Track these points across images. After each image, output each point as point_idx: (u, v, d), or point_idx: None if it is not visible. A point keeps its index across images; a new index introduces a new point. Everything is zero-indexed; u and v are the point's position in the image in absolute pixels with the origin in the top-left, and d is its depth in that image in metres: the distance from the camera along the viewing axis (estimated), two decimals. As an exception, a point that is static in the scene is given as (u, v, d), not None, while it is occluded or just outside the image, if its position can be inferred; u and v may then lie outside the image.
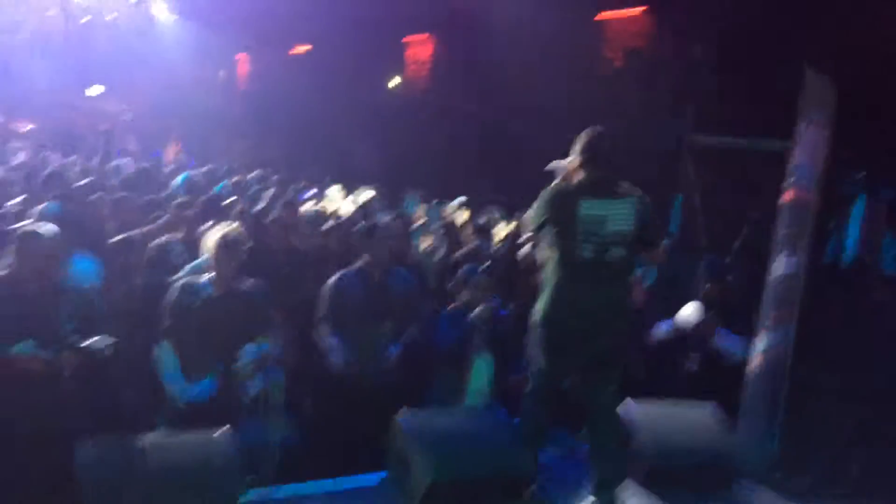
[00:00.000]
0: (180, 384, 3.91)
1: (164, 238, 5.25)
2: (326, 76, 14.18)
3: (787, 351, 4.83)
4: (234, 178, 9.42)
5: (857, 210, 6.66)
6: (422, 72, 14.23)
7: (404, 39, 14.37)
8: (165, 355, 3.97)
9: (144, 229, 5.55)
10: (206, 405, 3.86)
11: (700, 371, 4.90)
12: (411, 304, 4.83)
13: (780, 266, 4.62)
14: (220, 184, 8.77)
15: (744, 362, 4.65)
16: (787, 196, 4.61)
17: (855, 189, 6.71)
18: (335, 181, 9.88)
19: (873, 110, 6.53)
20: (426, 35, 14.19)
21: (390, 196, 9.53)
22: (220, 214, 5.56)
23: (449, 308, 4.87)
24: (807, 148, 4.72)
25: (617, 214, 3.72)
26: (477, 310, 4.62)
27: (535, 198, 3.86)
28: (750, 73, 8.11)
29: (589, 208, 3.69)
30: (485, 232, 6.02)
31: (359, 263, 4.87)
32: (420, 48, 14.39)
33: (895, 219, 6.39)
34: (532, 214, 3.86)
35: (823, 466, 4.41)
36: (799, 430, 4.77)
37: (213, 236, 4.15)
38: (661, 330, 5.02)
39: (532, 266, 6.62)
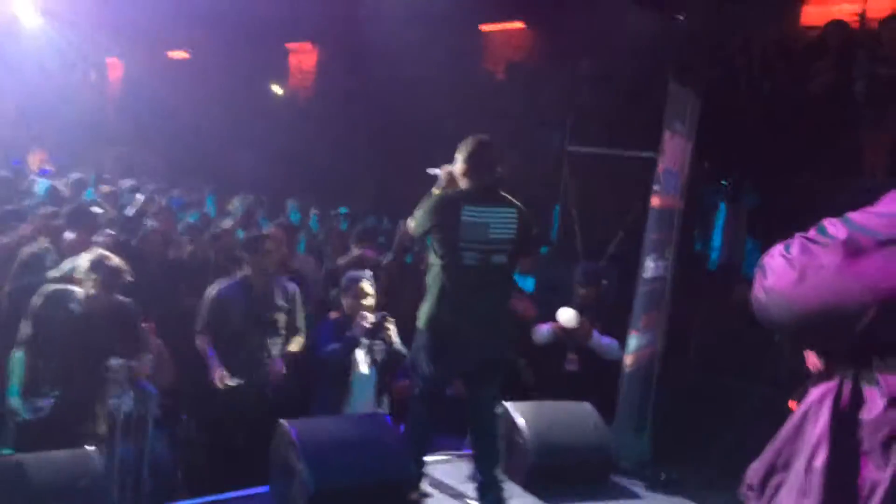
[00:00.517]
0: (20, 398, 3.76)
1: (37, 245, 5.02)
2: (206, 82, 13.82)
3: (656, 351, 5.10)
4: (105, 188, 9.02)
5: (721, 216, 7.10)
6: (306, 80, 14.12)
7: (287, 45, 14.20)
8: (17, 366, 3.80)
9: (5, 239, 5.26)
10: (59, 422, 3.71)
11: (579, 371, 5.06)
12: (294, 314, 4.79)
13: (649, 270, 4.85)
14: (87, 192, 8.40)
15: (618, 362, 4.85)
16: (655, 202, 4.84)
17: (718, 197, 7.14)
18: (215, 190, 9.68)
19: (736, 120, 6.99)
20: (309, 43, 14.09)
21: (272, 204, 9.41)
22: (88, 224, 5.33)
23: (331, 317, 4.84)
24: (671, 156, 5.00)
25: (499, 222, 3.80)
26: (358, 321, 4.63)
27: (416, 205, 3.90)
28: (625, 85, 8.52)
29: (472, 215, 3.76)
30: (369, 241, 6.04)
31: (241, 274, 4.79)
32: (303, 57, 14.27)
33: (755, 225, 6.82)
34: (415, 221, 3.90)
35: (691, 457, 4.65)
36: (668, 424, 5.02)
37: (91, 256, 4.00)
38: (542, 333, 5.17)
39: (417, 273, 6.72)
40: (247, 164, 11.25)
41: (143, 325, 4.29)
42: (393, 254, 5.93)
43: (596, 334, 5.06)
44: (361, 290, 4.71)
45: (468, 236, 3.75)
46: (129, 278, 4.01)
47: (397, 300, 5.67)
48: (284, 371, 4.60)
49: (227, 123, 12.59)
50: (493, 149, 3.88)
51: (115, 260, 4.02)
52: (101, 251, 4.12)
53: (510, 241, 3.82)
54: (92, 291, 3.95)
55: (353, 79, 11.96)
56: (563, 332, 5.04)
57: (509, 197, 3.89)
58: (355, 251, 5.80)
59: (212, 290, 4.71)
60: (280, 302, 4.73)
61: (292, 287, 4.89)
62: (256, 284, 4.70)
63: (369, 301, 4.74)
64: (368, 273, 4.90)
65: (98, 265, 3.96)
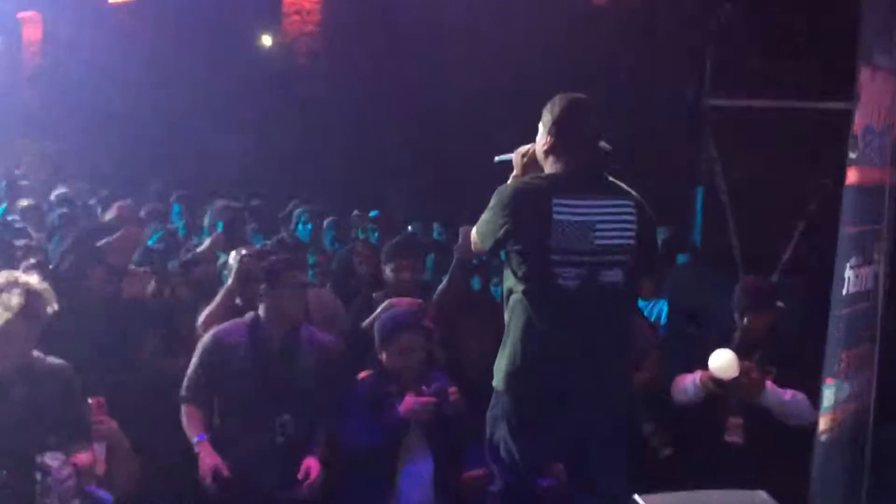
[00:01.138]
0: None
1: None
2: (161, 36, 14.06)
3: (867, 405, 4.97)
4: (24, 202, 9.28)
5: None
6: (307, 24, 14.29)
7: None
8: None
9: None
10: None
11: (745, 443, 5.01)
12: (326, 381, 4.89)
13: (848, 282, 4.75)
14: (-1, 208, 8.67)
15: (808, 426, 4.76)
16: (852, 177, 4.75)
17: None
18: (186, 196, 9.87)
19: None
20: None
21: (269, 213, 9.56)
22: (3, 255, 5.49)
23: (361, 379, 4.91)
24: (873, 106, 4.89)
25: (609, 221, 3.82)
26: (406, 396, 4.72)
27: (483, 208, 3.95)
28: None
29: (567, 212, 3.77)
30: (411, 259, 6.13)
31: (250, 314, 4.90)
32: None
33: None
34: (481, 228, 3.92)
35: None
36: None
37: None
38: (685, 388, 5.12)
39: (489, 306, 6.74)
40: (227, 155, 11.47)
41: (89, 400, 4.35)
42: (449, 279, 5.96)
43: (770, 386, 4.98)
44: (408, 341, 4.76)
45: (563, 244, 3.77)
46: (54, 308, 4.05)
47: (461, 348, 5.70)
48: (321, 477, 4.68)
49: (197, 97, 12.84)
50: (594, 112, 3.91)
51: (35, 292, 4.04)
52: (9, 273, 4.14)
53: (627, 250, 3.84)
54: (6, 348, 3.97)
55: (377, 21, 12.09)
56: (719, 385, 4.98)
57: (621, 184, 3.90)
58: (389, 275, 5.87)
59: (206, 338, 4.81)
60: (307, 361, 4.82)
61: (327, 340, 5.00)
62: (273, 332, 4.79)
63: (419, 356, 4.78)
64: (416, 313, 4.93)
65: (10, 305, 3.98)
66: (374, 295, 6.05)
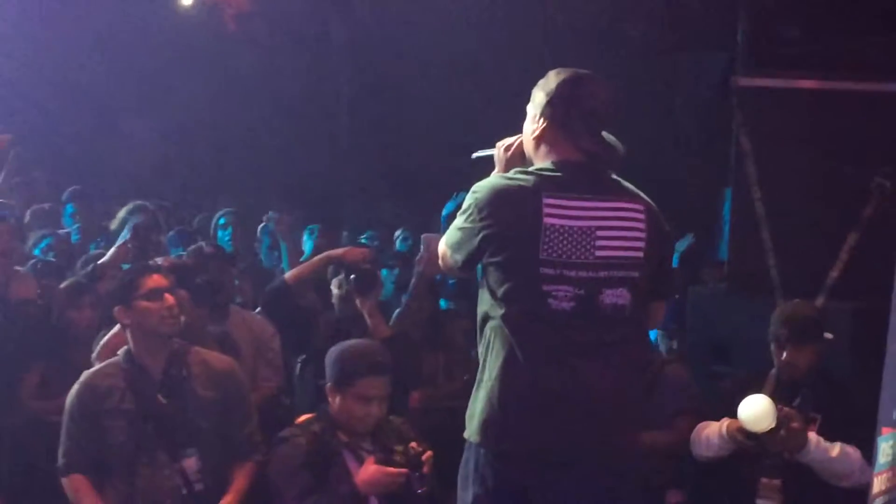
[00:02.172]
0: None
1: None
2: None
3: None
4: None
5: None
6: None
7: None
8: None
9: None
10: None
11: (784, 508, 5.01)
12: (235, 418, 4.90)
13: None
14: None
15: (860, 488, 4.77)
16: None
17: None
18: (81, 192, 9.83)
19: None
20: None
21: (189, 216, 9.53)
22: None
23: (297, 428, 4.86)
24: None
25: (614, 227, 3.80)
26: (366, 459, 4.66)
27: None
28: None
29: (560, 216, 3.77)
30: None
31: (123, 350, 4.90)
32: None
33: None
34: (452, 238, 3.91)
35: None
36: None
37: None
38: (708, 442, 5.14)
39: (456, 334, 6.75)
40: (134, 143, 11.46)
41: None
42: (410, 298, 5.97)
43: (814, 439, 4.99)
44: (372, 386, 4.72)
45: (555, 254, 3.74)
46: None
47: (424, 385, 5.68)
48: None
49: (95, 65, 12.82)
50: (603, 90, 3.89)
51: None
52: None
53: (635, 264, 3.82)
54: None
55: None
56: (750, 437, 4.99)
57: (628, 184, 3.89)
58: (337, 300, 5.89)
59: (73, 388, 4.80)
60: (201, 391, 4.81)
61: (223, 364, 4.98)
62: (149, 362, 4.81)
63: (382, 406, 4.75)
64: (381, 350, 4.90)
65: None
66: (320, 321, 6.04)
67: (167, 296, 4.83)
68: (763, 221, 6.78)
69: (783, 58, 7.57)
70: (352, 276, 5.84)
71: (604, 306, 3.77)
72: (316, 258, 5.96)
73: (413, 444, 4.69)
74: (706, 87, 8.35)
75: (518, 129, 4.02)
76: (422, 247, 6.14)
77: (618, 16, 9.55)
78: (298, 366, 6.31)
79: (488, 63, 9.89)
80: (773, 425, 4.91)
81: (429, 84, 10.98)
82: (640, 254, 3.81)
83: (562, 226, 3.74)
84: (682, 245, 8.63)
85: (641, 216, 3.84)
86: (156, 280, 4.87)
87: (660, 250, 3.91)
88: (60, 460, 4.75)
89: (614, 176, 3.92)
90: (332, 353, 4.90)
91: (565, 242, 3.74)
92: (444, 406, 6.16)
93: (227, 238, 8.42)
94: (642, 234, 3.83)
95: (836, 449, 5.00)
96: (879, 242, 5.81)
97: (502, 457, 3.81)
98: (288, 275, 5.96)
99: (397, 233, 9.51)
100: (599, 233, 3.76)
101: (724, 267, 7.43)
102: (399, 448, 4.66)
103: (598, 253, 3.76)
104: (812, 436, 5.00)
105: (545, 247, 3.72)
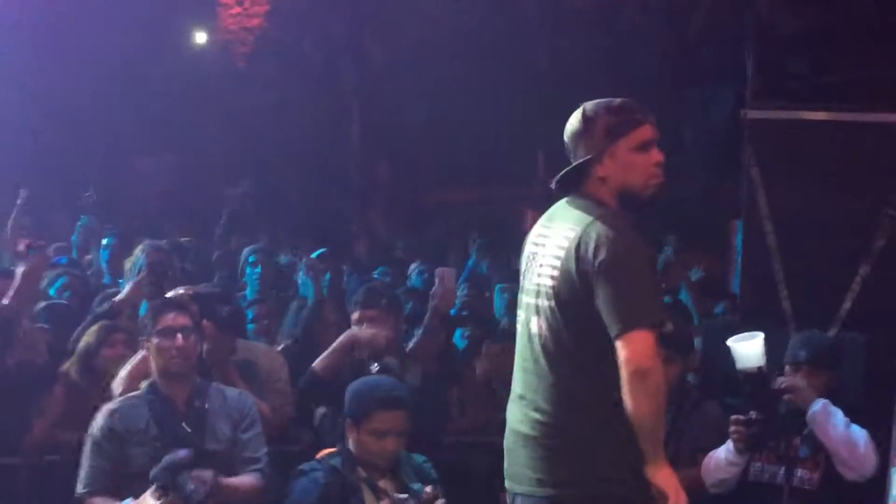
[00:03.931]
0: None
1: None
2: (60, 32, 14.06)
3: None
4: None
5: None
6: (247, 21, 14.34)
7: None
8: None
9: None
10: None
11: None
12: (247, 445, 4.96)
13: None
14: None
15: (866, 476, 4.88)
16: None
17: None
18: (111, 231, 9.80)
19: None
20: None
21: (206, 254, 9.54)
22: None
23: (318, 463, 4.85)
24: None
25: (546, 254, 3.82)
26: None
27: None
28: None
29: (531, 240, 3.93)
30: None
31: (145, 383, 4.94)
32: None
33: None
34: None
35: None
36: None
37: None
38: (718, 462, 5.16)
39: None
40: (146, 180, 11.47)
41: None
42: (423, 333, 6.02)
43: (823, 402, 5.04)
44: (387, 420, 4.73)
45: (522, 278, 3.94)
46: None
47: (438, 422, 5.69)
48: None
49: (108, 105, 12.83)
50: (569, 120, 3.90)
51: None
52: None
53: (548, 293, 3.76)
54: None
55: (328, 16, 12.25)
56: (747, 393, 5.07)
57: (588, 202, 3.80)
58: (355, 329, 5.84)
59: (97, 414, 4.85)
60: (222, 427, 4.89)
61: (240, 399, 5.05)
62: (174, 395, 4.88)
63: (399, 441, 4.76)
64: (399, 384, 4.94)
65: None
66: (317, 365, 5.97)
67: (178, 336, 4.87)
68: (775, 253, 6.75)
69: (792, 90, 7.60)
70: (375, 365, 5.77)
71: (531, 335, 3.82)
72: (341, 342, 5.85)
73: (428, 488, 4.68)
74: (716, 121, 8.37)
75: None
76: (437, 280, 6.13)
77: (628, 49, 9.59)
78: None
79: (497, 99, 9.92)
80: (762, 364, 4.93)
81: (438, 121, 11.03)
82: (550, 282, 3.75)
83: (527, 253, 3.92)
84: (694, 275, 8.62)
85: (566, 244, 3.74)
86: (170, 319, 4.90)
87: (575, 279, 3.69)
88: (81, 486, 4.77)
89: (586, 193, 3.83)
90: (350, 388, 4.93)
91: (525, 268, 3.91)
92: (458, 441, 6.18)
93: (255, 276, 8.32)
94: (559, 260, 3.74)
95: (847, 425, 4.99)
96: (891, 273, 5.84)
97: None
98: (317, 366, 5.87)
99: (413, 266, 9.48)
100: (538, 259, 3.84)
101: (736, 299, 7.39)
102: (414, 488, 4.68)
103: (534, 279, 3.82)
104: (826, 401, 5.00)
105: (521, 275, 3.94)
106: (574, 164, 3.82)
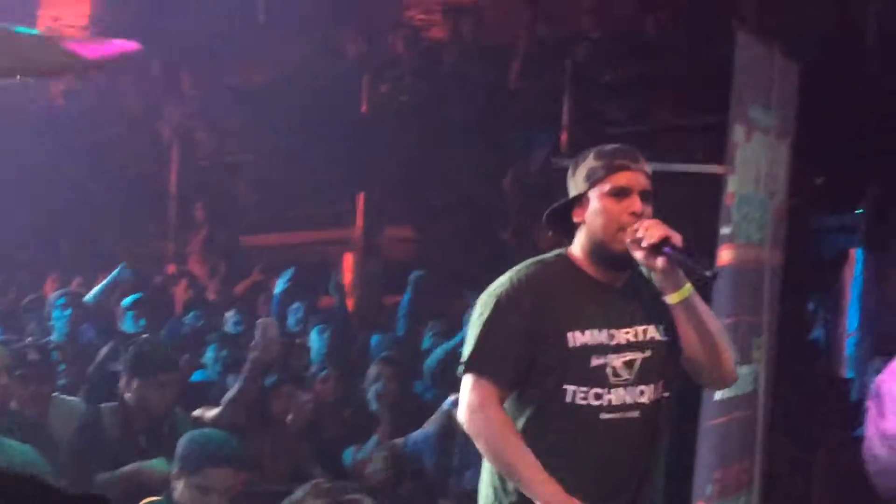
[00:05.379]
0: None
1: None
2: None
3: None
4: None
5: (857, 275, 7.28)
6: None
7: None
8: None
9: None
10: None
11: None
12: None
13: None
14: None
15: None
16: (726, 255, 4.94)
17: (849, 239, 7.33)
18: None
19: (868, 99, 7.23)
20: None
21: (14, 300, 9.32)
22: None
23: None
24: (749, 170, 5.13)
25: None
26: None
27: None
28: (661, 47, 8.78)
29: None
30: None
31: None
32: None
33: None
34: None
35: None
36: None
37: None
38: None
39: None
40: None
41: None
42: (241, 383, 6.06)
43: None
44: (212, 476, 4.64)
45: None
46: None
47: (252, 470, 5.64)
48: None
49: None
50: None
51: None
52: None
53: None
54: None
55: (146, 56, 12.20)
56: None
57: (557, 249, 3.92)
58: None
59: None
60: None
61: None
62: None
63: (220, 500, 4.70)
64: (234, 442, 4.86)
65: None
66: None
67: None
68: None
69: (608, 138, 7.78)
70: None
71: None
72: None
73: None
74: (534, 167, 8.52)
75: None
76: (257, 332, 6.11)
77: (449, 94, 9.67)
78: None
79: (318, 141, 9.90)
80: None
81: (257, 163, 11.01)
82: None
83: None
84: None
85: None
86: None
87: None
88: None
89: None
90: (186, 437, 4.85)
91: None
92: (268, 490, 6.13)
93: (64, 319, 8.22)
94: None
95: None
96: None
97: None
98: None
99: (228, 314, 9.38)
100: None
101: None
102: None
103: None
104: None
105: None
106: (553, 206, 3.85)
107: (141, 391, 5.47)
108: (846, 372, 7.29)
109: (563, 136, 8.00)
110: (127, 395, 5.54)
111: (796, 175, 5.96)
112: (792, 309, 6.43)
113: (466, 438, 3.91)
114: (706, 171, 5.50)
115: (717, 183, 5.07)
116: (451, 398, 6.05)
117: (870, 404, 1.54)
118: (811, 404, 6.46)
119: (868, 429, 1.53)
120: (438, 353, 7.18)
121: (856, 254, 7.21)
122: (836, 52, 7.33)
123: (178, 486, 4.71)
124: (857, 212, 7.40)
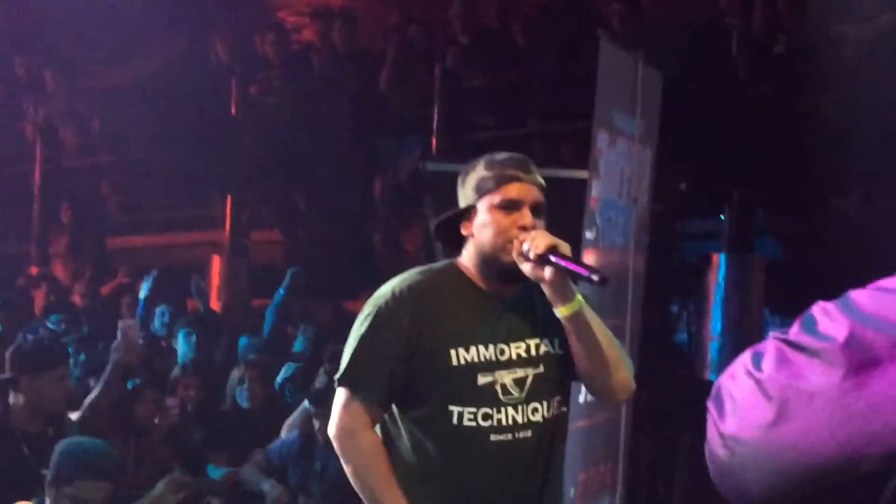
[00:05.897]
0: None
1: None
2: None
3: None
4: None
5: (721, 279, 7.40)
6: None
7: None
8: None
9: None
10: None
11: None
12: None
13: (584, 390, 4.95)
14: None
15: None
16: (589, 261, 4.98)
17: (711, 244, 7.46)
18: None
19: (732, 107, 7.37)
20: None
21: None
22: None
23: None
24: (613, 176, 5.20)
25: None
26: None
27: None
28: (525, 50, 8.87)
29: None
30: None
31: None
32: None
33: (777, 291, 7.14)
34: None
35: None
36: None
37: None
38: None
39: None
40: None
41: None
42: (102, 385, 5.98)
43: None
44: (86, 489, 4.54)
45: None
46: None
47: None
48: None
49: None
50: None
51: None
52: None
53: None
54: None
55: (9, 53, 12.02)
56: None
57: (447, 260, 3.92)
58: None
59: None
60: None
61: None
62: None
63: None
64: (111, 453, 4.84)
65: None
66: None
67: None
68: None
69: (477, 143, 7.85)
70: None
71: None
72: None
73: None
74: (404, 172, 8.55)
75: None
76: (119, 334, 6.04)
77: (319, 98, 9.67)
78: None
79: (185, 143, 9.84)
80: None
81: (124, 164, 10.91)
82: None
83: None
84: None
85: None
86: None
87: None
88: None
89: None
90: (60, 446, 4.76)
91: None
92: (131, 495, 6.07)
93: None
94: None
95: None
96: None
97: None
98: None
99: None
100: None
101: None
102: None
103: None
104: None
105: None
106: (441, 217, 3.71)
107: (35, 388, 5.32)
108: (710, 375, 7.41)
109: (433, 141, 8.02)
110: (13, 400, 5.39)
111: (660, 181, 6.07)
112: (656, 313, 6.54)
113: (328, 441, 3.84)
114: (573, 176, 5.55)
115: (584, 188, 5.13)
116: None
117: (710, 405, 1.54)
118: (674, 407, 6.56)
119: (709, 430, 1.54)
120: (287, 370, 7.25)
121: (719, 258, 7.32)
122: (700, 62, 7.46)
123: (51, 496, 4.65)
124: (720, 217, 7.52)
